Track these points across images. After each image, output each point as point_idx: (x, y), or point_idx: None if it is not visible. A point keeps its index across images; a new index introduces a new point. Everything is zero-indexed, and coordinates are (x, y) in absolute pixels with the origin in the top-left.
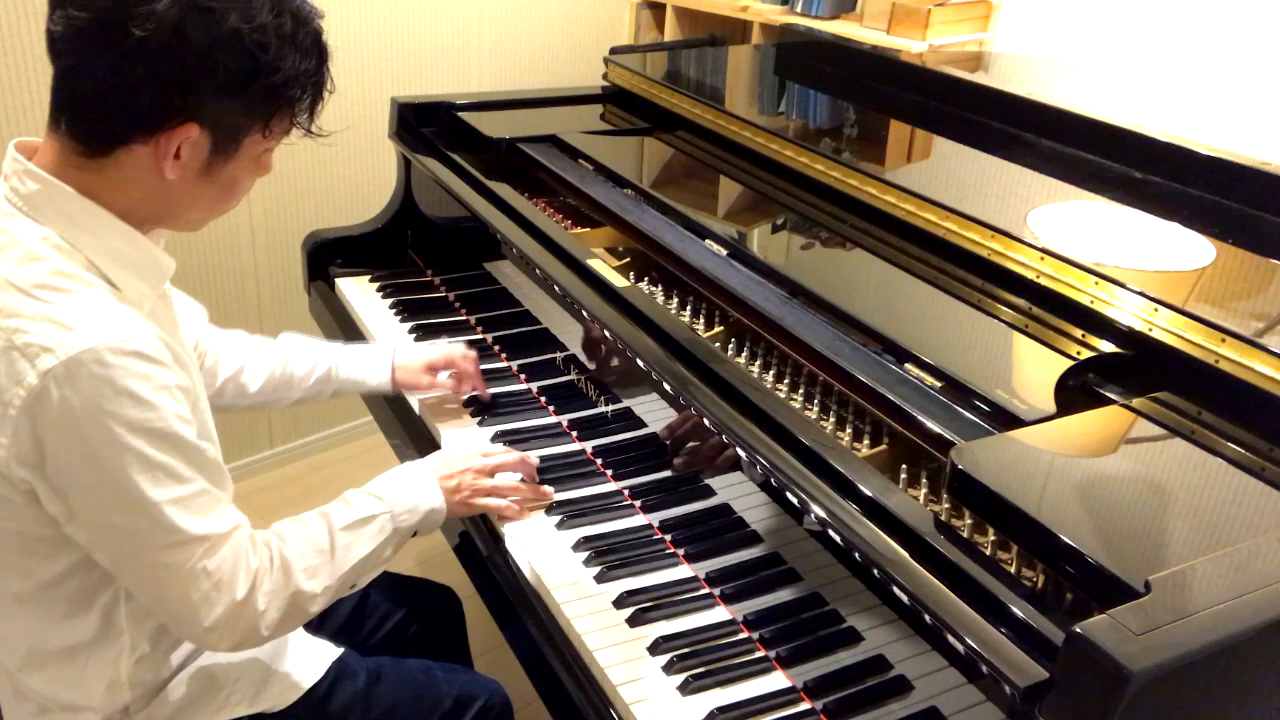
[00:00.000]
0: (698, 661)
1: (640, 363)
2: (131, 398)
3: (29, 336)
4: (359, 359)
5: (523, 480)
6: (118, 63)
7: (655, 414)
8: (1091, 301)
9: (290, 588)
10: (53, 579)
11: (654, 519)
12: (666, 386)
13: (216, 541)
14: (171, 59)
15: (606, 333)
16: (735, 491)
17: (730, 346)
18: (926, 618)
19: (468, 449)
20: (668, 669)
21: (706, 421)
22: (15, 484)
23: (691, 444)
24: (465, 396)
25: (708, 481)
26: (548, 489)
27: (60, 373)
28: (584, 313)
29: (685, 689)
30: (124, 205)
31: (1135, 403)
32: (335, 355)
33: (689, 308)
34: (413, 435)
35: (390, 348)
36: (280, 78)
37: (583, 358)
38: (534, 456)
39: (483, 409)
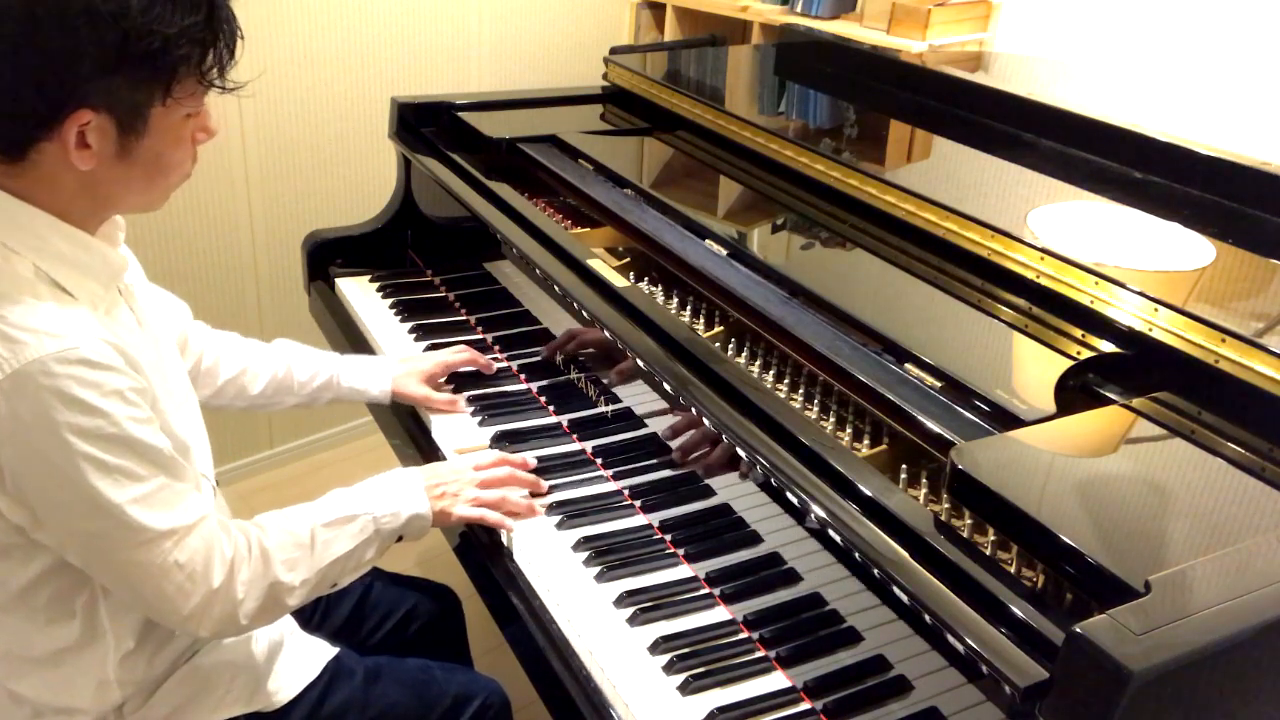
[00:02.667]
0: (698, 661)
1: (640, 363)
2: (81, 406)
3: None
4: (361, 369)
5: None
6: None
7: (656, 414)
8: (1091, 301)
9: (269, 578)
10: (29, 584)
11: (654, 519)
12: (666, 386)
13: (183, 533)
14: (31, 51)
15: (606, 333)
16: (735, 491)
17: (730, 346)
18: (926, 618)
19: (460, 462)
20: (668, 669)
21: (707, 422)
22: None
23: (697, 445)
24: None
25: (708, 481)
26: (537, 506)
27: (8, 387)
28: (584, 313)
29: (685, 689)
30: (60, 205)
31: (1135, 403)
32: (337, 364)
33: (689, 308)
34: (412, 435)
35: (391, 359)
36: (157, 41)
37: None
38: (532, 466)
39: (483, 408)
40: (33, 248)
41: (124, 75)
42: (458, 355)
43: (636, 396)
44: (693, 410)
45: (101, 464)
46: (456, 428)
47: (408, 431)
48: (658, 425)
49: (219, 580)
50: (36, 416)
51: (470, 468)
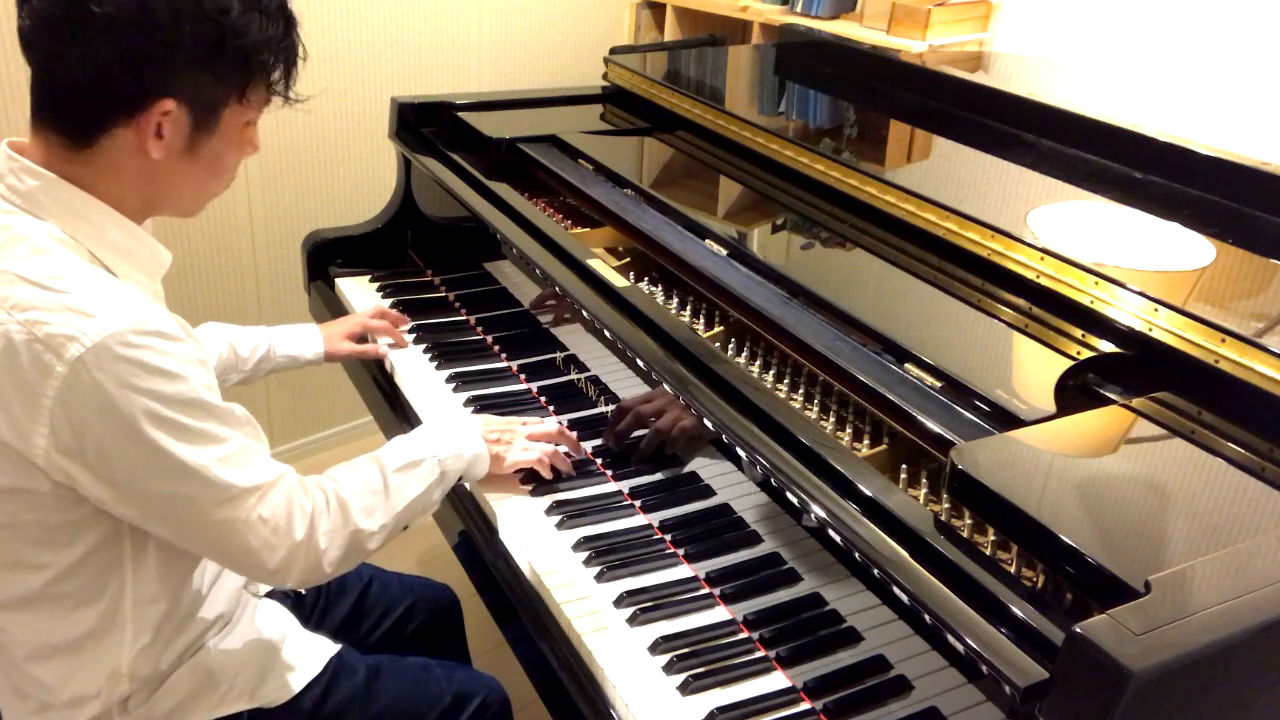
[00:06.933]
0: (698, 661)
1: (640, 363)
2: (162, 374)
3: (50, 327)
4: (292, 336)
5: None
6: (86, 46)
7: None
8: (1091, 301)
9: (349, 526)
10: (65, 570)
11: (654, 519)
12: (666, 386)
13: (266, 489)
14: (137, 35)
15: (606, 333)
16: (735, 491)
17: (730, 346)
18: (926, 618)
19: (509, 418)
20: (668, 669)
21: (707, 422)
22: (51, 474)
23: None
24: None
25: (708, 481)
26: (583, 446)
27: (89, 359)
28: (584, 313)
29: (685, 689)
30: (117, 195)
31: (1135, 403)
32: (270, 335)
33: (689, 308)
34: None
35: (316, 327)
36: (249, 42)
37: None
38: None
39: (483, 409)
40: (90, 237)
41: (212, 71)
42: (376, 321)
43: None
44: (692, 410)
45: (184, 429)
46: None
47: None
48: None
49: (301, 533)
50: (119, 387)
51: (519, 422)
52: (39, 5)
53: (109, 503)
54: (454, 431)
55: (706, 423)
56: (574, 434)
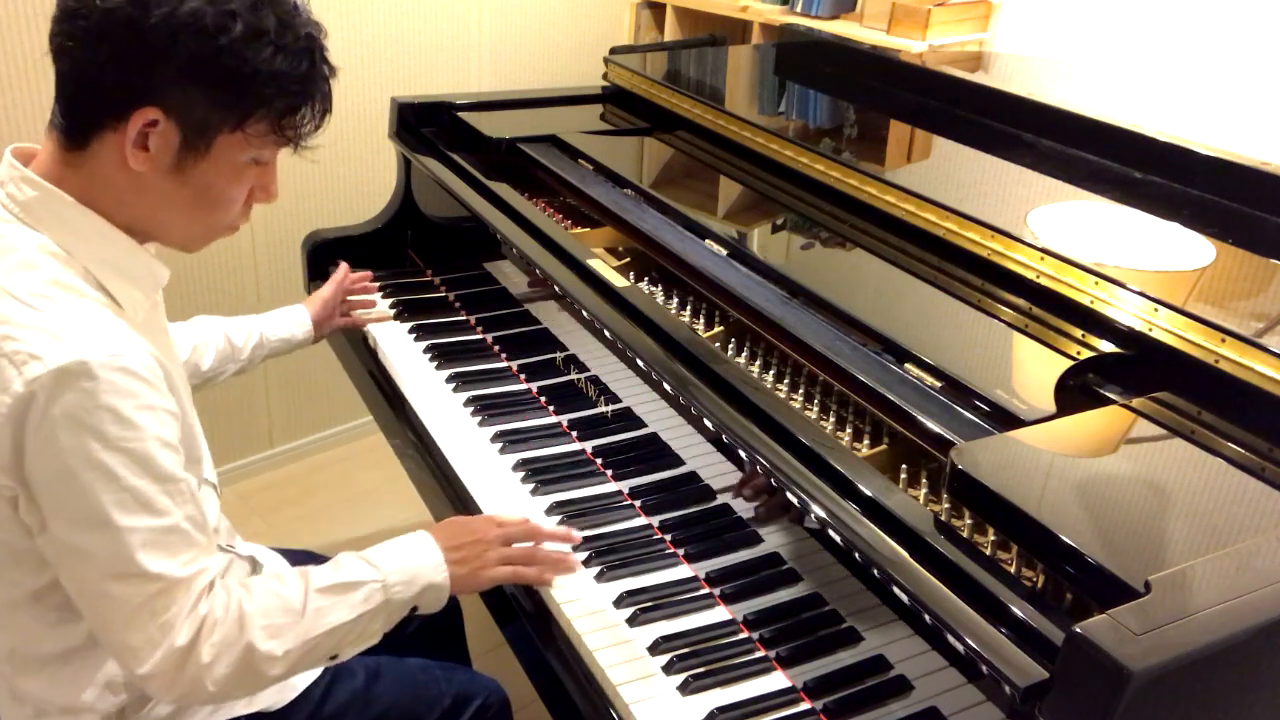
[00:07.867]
0: (698, 661)
1: (640, 363)
2: (112, 414)
3: (18, 344)
4: (281, 320)
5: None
6: (87, 39)
7: (655, 414)
8: (1091, 301)
9: (242, 642)
10: (44, 587)
11: (654, 519)
12: (666, 387)
13: (172, 586)
14: (133, 35)
15: (606, 333)
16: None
17: (730, 346)
18: (926, 618)
19: (480, 519)
20: (668, 669)
21: (707, 422)
22: (1, 491)
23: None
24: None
25: (708, 481)
26: (573, 559)
27: (47, 381)
28: (584, 313)
29: (685, 689)
30: (108, 209)
31: (1135, 403)
32: (259, 322)
33: (689, 308)
34: (414, 436)
35: (301, 305)
36: (249, 69)
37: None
38: (575, 539)
39: (483, 408)
40: (84, 251)
41: (203, 89)
42: (338, 278)
43: (636, 396)
44: (692, 410)
45: (116, 480)
46: (459, 430)
47: (408, 432)
48: (658, 425)
49: (184, 638)
50: (66, 416)
51: (493, 524)
52: None
53: (35, 531)
54: (411, 553)
55: (707, 423)
56: (561, 528)
